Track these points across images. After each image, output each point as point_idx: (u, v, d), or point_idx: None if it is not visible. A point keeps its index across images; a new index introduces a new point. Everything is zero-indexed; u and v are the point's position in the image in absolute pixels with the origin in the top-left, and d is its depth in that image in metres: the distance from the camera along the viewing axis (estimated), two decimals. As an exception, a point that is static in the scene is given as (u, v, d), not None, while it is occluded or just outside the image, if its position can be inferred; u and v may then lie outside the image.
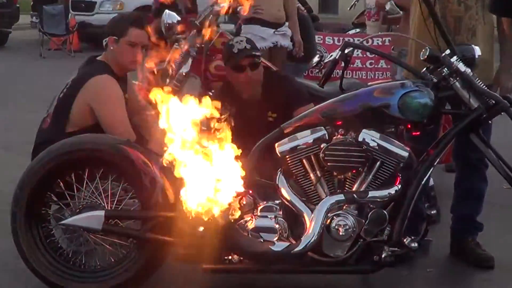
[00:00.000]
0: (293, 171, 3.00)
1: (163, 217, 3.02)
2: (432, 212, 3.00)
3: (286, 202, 3.00)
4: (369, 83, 3.21)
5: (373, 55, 6.14)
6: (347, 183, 2.99)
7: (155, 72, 3.29)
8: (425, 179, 2.95)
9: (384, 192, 2.93)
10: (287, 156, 2.99)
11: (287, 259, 2.98)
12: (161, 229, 3.02)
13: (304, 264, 3.01)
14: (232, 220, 2.84)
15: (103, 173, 3.14)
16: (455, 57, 2.95)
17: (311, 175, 2.98)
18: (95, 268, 3.21)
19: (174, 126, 2.55)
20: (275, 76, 3.89)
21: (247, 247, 2.95)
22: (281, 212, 3.01)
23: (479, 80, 2.98)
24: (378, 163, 2.92)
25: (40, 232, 3.18)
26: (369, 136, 2.91)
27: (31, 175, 3.11)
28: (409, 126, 2.99)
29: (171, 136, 2.55)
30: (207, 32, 3.80)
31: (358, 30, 8.31)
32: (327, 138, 2.96)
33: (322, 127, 2.98)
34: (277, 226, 2.97)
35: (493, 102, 2.95)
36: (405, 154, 2.91)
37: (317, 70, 6.35)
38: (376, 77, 6.52)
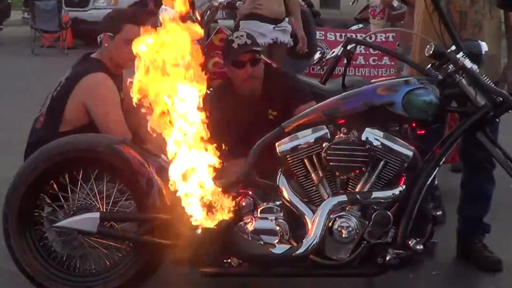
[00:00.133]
0: (294, 171, 3.01)
1: (160, 219, 3.02)
2: (438, 213, 3.00)
3: (287, 203, 3.00)
4: (372, 81, 3.21)
5: (377, 51, 6.15)
6: (350, 183, 2.99)
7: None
8: (430, 179, 2.95)
9: (388, 193, 2.94)
10: (288, 156, 2.99)
11: (288, 262, 2.99)
12: (158, 232, 3.03)
13: (305, 268, 3.02)
14: (231, 222, 2.84)
15: (98, 173, 3.15)
16: (461, 53, 2.94)
17: (313, 175, 2.98)
18: (90, 272, 3.21)
19: (171, 126, 2.54)
20: (276, 73, 3.89)
21: (246, 250, 2.96)
22: (281, 214, 3.02)
23: (485, 77, 2.98)
24: (382, 162, 2.92)
25: (33, 235, 3.18)
26: (373, 135, 2.91)
27: (23, 176, 3.11)
28: (414, 124, 2.99)
29: (168, 136, 2.54)
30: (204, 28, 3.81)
31: (360, 25, 8.32)
32: (329, 137, 2.96)
33: (324, 126, 2.98)
34: (277, 228, 2.97)
35: (501, 99, 2.95)
36: (410, 153, 2.91)
37: (319, 67, 6.37)
38: (380, 74, 6.52)
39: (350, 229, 2.91)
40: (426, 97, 2.94)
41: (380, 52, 5.90)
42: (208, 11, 4.35)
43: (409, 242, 2.93)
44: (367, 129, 2.92)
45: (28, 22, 14.09)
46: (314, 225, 2.90)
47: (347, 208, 2.95)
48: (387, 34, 6.54)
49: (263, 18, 5.76)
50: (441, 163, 2.99)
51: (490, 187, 3.65)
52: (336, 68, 3.21)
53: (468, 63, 2.93)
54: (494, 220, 3.75)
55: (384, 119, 2.97)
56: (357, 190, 2.95)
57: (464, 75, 2.96)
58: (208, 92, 4.58)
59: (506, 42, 3.61)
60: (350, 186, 2.99)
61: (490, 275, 3.54)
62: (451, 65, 2.97)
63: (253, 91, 3.68)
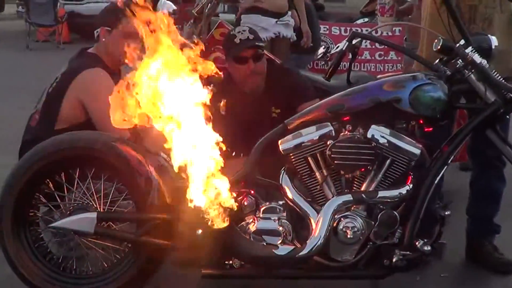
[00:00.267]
0: (298, 170, 3.01)
1: (159, 219, 3.03)
2: (446, 213, 3.00)
3: (290, 203, 3.01)
4: (378, 76, 3.21)
5: (383, 46, 6.15)
6: (355, 182, 2.99)
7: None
8: (438, 178, 2.96)
9: (394, 192, 2.94)
10: (291, 154, 3.00)
11: (292, 264, 2.99)
12: (157, 232, 3.03)
13: (309, 269, 3.02)
14: (233, 222, 2.84)
15: (95, 172, 3.15)
16: (470, 48, 2.94)
17: (317, 174, 2.99)
18: (87, 274, 3.22)
19: (170, 123, 2.55)
20: (279, 69, 3.90)
21: (248, 251, 2.96)
22: (285, 214, 3.02)
23: (495, 72, 2.97)
24: (388, 161, 2.92)
25: (28, 235, 3.18)
26: (379, 133, 2.92)
27: (18, 175, 3.11)
28: (421, 121, 2.99)
29: (167, 133, 2.55)
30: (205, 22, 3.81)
31: (366, 19, 8.34)
32: (333, 134, 2.96)
33: (329, 123, 2.98)
34: (280, 228, 2.98)
35: (511, 95, 2.95)
36: (417, 151, 2.91)
37: (323, 62, 6.37)
38: (386, 70, 6.54)
39: (356, 229, 2.91)
40: (434, 93, 2.94)
41: (386, 47, 5.91)
42: (209, 5, 4.35)
43: (417, 243, 2.93)
44: (373, 126, 2.93)
45: (22, 16, 14.14)
46: (318, 225, 2.91)
47: (352, 208, 2.95)
48: (394, 28, 6.54)
49: (265, 12, 5.77)
50: (449, 161, 2.99)
51: (500, 186, 3.65)
52: (341, 63, 3.20)
53: (477, 58, 2.93)
54: (504, 221, 3.75)
55: (391, 116, 2.97)
56: (362, 189, 2.96)
57: (473, 71, 2.95)
58: (209, 88, 4.58)
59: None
60: (355, 185, 2.99)
61: (500, 277, 3.54)
62: (459, 60, 2.96)
63: (256, 88, 3.68)
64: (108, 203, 3.15)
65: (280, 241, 2.96)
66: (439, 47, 2.98)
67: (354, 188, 2.99)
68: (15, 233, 3.12)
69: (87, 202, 3.14)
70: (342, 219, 2.92)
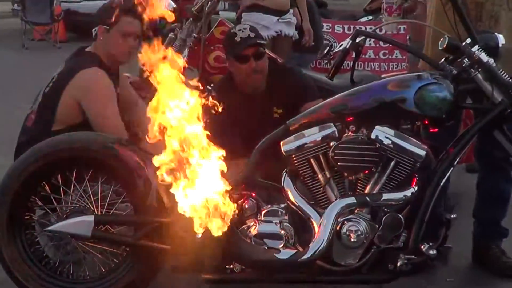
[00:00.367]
0: (300, 172, 3.01)
1: (158, 222, 3.03)
2: (452, 216, 3.00)
3: (292, 206, 3.01)
4: (382, 75, 3.21)
5: (387, 44, 6.15)
6: (359, 184, 2.99)
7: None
8: (444, 180, 2.95)
9: (399, 195, 2.94)
10: (293, 156, 3.00)
11: (294, 268, 2.99)
12: (156, 236, 3.03)
13: (312, 274, 3.02)
14: (234, 226, 2.85)
15: (93, 174, 3.15)
16: (476, 46, 2.94)
17: (320, 176, 2.99)
18: (84, 278, 3.22)
19: (169, 123, 2.55)
20: (281, 68, 3.90)
21: (250, 255, 2.96)
22: (287, 217, 3.02)
23: (503, 72, 2.98)
24: (393, 162, 2.92)
25: (23, 239, 3.19)
26: (383, 133, 2.92)
27: (13, 177, 3.11)
28: (427, 122, 2.99)
29: (167, 134, 2.55)
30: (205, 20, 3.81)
31: (370, 17, 8.32)
32: (336, 135, 2.96)
33: (332, 124, 2.99)
34: (282, 232, 2.98)
35: (519, 95, 2.95)
36: (422, 153, 2.91)
37: (326, 61, 6.37)
38: (390, 69, 6.54)
39: (359, 233, 2.91)
40: (439, 93, 2.94)
41: (390, 45, 5.90)
42: (209, 3, 4.34)
43: (422, 247, 2.93)
44: (377, 127, 2.92)
45: (18, 14, 14.12)
46: (321, 228, 2.91)
47: (356, 211, 2.95)
48: (398, 26, 6.54)
49: (267, 9, 5.76)
50: (455, 163, 2.99)
51: (508, 188, 3.65)
52: (344, 62, 3.20)
53: (484, 56, 2.93)
54: (512, 224, 3.76)
55: (395, 117, 2.98)
56: (366, 191, 2.96)
57: (480, 70, 2.95)
58: (209, 88, 4.59)
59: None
60: (359, 187, 2.99)
61: (508, 281, 3.54)
62: (466, 59, 2.96)
63: (257, 87, 3.69)
64: (105, 205, 3.15)
65: (282, 244, 2.96)
66: (444, 45, 2.98)
67: (358, 190, 2.99)
68: (10, 236, 3.13)
69: (84, 205, 3.15)
70: (345, 222, 2.92)
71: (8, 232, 3.12)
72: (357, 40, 3.14)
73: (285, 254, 2.94)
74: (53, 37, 13.39)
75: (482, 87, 2.97)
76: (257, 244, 2.97)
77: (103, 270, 3.20)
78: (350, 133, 2.96)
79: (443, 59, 3.11)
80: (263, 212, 3.03)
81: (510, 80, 2.99)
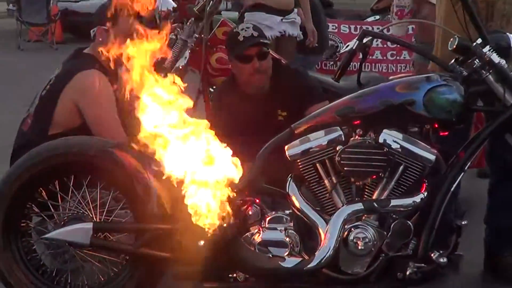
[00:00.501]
0: (305, 177, 3.01)
1: (159, 229, 3.03)
2: (463, 222, 3.00)
3: (298, 212, 3.01)
4: (390, 77, 3.21)
5: (395, 45, 6.15)
6: (366, 190, 2.99)
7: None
8: (454, 186, 2.95)
9: (408, 201, 2.93)
10: (299, 160, 3.00)
11: (299, 277, 2.99)
12: (157, 244, 3.03)
13: (318, 282, 3.01)
14: (237, 233, 2.85)
15: (91, 180, 3.16)
16: (487, 47, 2.94)
17: (326, 181, 2.99)
18: (82, 287, 3.22)
19: (169, 128, 2.56)
20: (285, 69, 3.90)
21: (253, 263, 2.96)
22: (292, 224, 3.02)
23: (515, 73, 2.98)
24: (401, 167, 2.92)
25: (20, 247, 3.19)
26: (391, 137, 2.92)
27: (9, 183, 3.11)
28: (436, 125, 2.99)
29: (167, 138, 2.55)
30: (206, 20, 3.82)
31: (377, 17, 8.33)
32: (343, 139, 2.96)
33: (338, 127, 2.98)
34: (287, 239, 2.98)
35: (532, 98, 2.95)
36: (432, 157, 2.91)
37: (332, 63, 6.38)
38: (398, 70, 6.55)
39: (367, 240, 2.91)
40: (449, 95, 2.93)
41: (398, 46, 5.90)
42: (211, 2, 4.35)
43: (432, 255, 2.92)
44: (385, 130, 2.92)
45: (13, 14, 14.14)
46: (327, 236, 2.90)
47: (363, 218, 2.95)
48: (407, 27, 6.54)
49: (270, 9, 5.77)
50: (466, 167, 2.99)
51: (521, 193, 3.65)
52: (351, 63, 3.20)
53: (495, 57, 2.93)
54: (525, 231, 3.74)
55: (404, 120, 2.97)
56: (374, 197, 2.96)
57: (491, 71, 2.95)
58: (211, 90, 4.59)
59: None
60: (366, 193, 2.99)
61: (521, 290, 3.54)
62: (476, 60, 2.96)
63: (260, 89, 3.69)
64: (104, 212, 3.15)
65: (287, 252, 2.96)
66: (454, 46, 2.98)
67: (365, 196, 2.99)
68: (6, 244, 3.13)
69: (83, 211, 3.15)
70: (352, 229, 2.92)
71: (4, 239, 3.12)
72: (364, 40, 3.14)
73: (290, 262, 2.94)
74: (50, 38, 13.41)
75: (493, 89, 2.97)
76: (261, 252, 2.97)
77: (102, 279, 3.20)
78: (357, 137, 2.96)
79: (453, 60, 3.10)
80: (267, 219, 3.03)
81: (523, 82, 2.99)
